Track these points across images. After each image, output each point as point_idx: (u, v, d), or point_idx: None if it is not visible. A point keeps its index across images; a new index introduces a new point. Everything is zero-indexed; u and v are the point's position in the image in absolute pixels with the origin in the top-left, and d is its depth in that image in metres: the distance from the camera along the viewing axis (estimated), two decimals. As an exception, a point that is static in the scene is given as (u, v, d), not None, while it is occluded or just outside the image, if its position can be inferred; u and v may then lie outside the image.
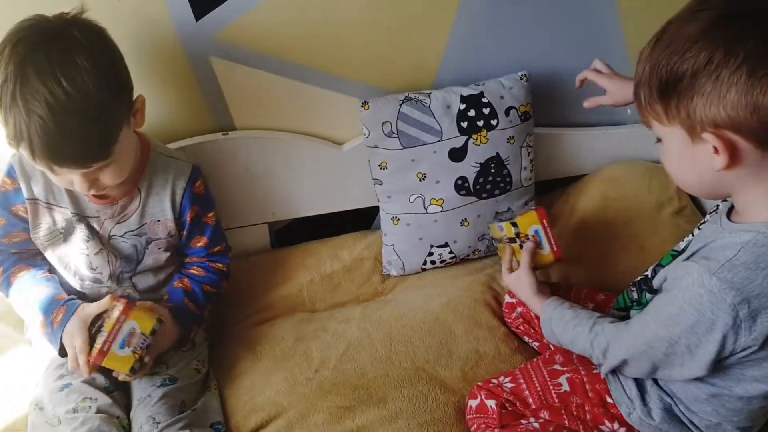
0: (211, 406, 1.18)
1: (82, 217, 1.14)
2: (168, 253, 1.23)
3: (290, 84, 1.36)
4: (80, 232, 1.15)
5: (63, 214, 1.14)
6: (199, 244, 1.25)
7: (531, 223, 1.20)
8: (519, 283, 1.18)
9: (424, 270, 1.48)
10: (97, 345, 1.06)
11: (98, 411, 1.08)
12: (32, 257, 1.19)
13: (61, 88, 0.92)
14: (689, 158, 0.84)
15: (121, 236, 1.17)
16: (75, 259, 1.17)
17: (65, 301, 1.13)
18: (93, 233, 1.15)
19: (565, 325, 1.06)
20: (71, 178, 1.03)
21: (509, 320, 1.32)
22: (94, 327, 1.09)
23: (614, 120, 1.57)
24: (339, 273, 1.47)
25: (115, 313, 1.06)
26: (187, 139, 1.34)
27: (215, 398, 1.20)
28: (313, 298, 1.43)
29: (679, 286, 0.86)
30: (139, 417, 1.11)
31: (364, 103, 1.34)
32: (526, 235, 1.20)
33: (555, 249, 1.20)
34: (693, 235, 1.03)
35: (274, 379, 1.22)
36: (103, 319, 1.09)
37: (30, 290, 1.15)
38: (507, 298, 1.32)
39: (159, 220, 1.18)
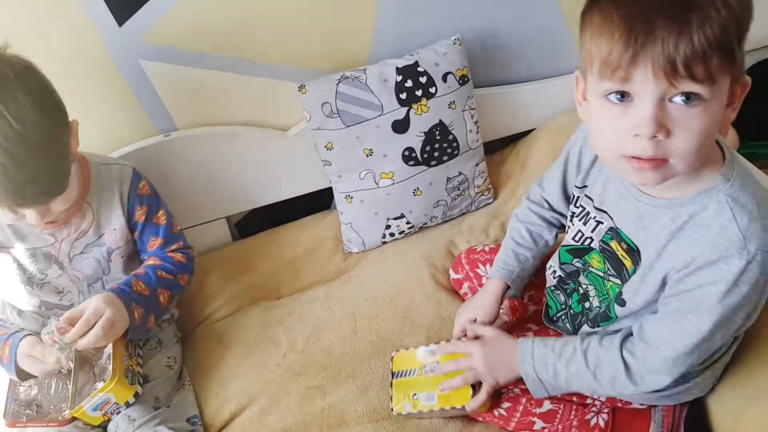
0: (186, 401, 1.21)
1: (36, 249, 1.15)
2: (132, 261, 1.25)
3: (226, 77, 1.36)
4: (35, 266, 1.16)
5: (9, 254, 1.15)
6: (155, 246, 1.25)
7: None
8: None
9: (384, 243, 1.50)
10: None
11: None
12: None
13: (12, 130, 0.93)
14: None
15: (81, 252, 1.18)
16: (27, 293, 1.18)
17: (7, 336, 1.14)
18: (50, 261, 1.16)
19: (555, 372, 0.96)
20: (24, 213, 1.03)
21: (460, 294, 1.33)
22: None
23: (554, 72, 1.57)
24: (301, 257, 1.49)
25: (99, 385, 1.08)
26: (130, 146, 1.34)
27: (190, 393, 1.23)
28: (278, 284, 1.45)
29: (724, 280, 0.79)
30: (114, 416, 1.14)
31: (301, 87, 1.34)
32: None
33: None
34: (591, 225, 0.96)
35: (244, 368, 1.25)
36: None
37: None
38: (452, 274, 1.33)
39: (115, 228, 1.20)
